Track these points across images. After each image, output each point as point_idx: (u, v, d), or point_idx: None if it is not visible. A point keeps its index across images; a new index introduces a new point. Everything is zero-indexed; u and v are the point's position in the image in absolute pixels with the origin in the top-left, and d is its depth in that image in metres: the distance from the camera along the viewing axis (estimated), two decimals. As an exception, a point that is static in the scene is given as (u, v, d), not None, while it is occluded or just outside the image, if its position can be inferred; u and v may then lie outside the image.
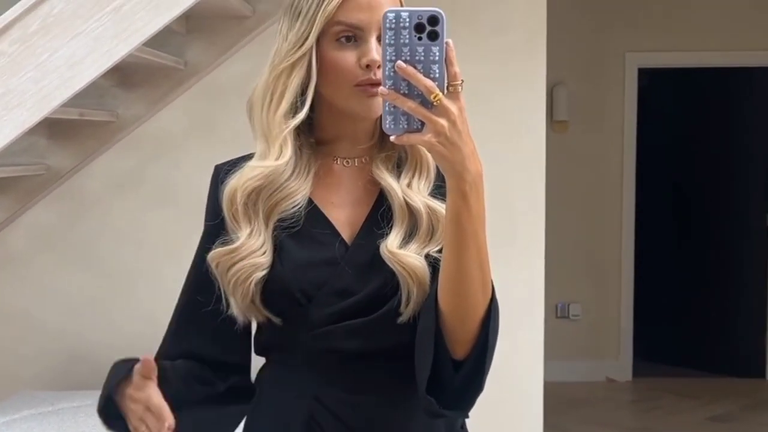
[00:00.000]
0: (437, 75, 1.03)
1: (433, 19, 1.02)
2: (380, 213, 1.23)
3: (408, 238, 1.20)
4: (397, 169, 1.25)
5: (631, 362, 5.64)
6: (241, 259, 1.20)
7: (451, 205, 1.08)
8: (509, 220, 3.02)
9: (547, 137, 3.14)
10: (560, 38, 4.79)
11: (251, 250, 1.20)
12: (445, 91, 1.03)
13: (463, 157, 1.04)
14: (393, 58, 1.03)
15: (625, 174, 5.57)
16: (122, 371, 1.22)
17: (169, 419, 1.14)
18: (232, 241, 1.22)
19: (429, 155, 1.23)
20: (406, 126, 1.05)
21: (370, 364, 1.22)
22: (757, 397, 5.27)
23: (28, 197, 2.99)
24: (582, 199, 5.53)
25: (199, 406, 1.29)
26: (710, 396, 5.25)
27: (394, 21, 1.03)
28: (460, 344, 1.14)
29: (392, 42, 1.03)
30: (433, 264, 1.19)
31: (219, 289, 1.24)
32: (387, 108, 1.05)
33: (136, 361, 1.19)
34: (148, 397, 1.15)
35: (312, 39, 1.19)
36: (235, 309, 1.22)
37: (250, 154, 1.27)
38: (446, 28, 1.03)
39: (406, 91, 1.03)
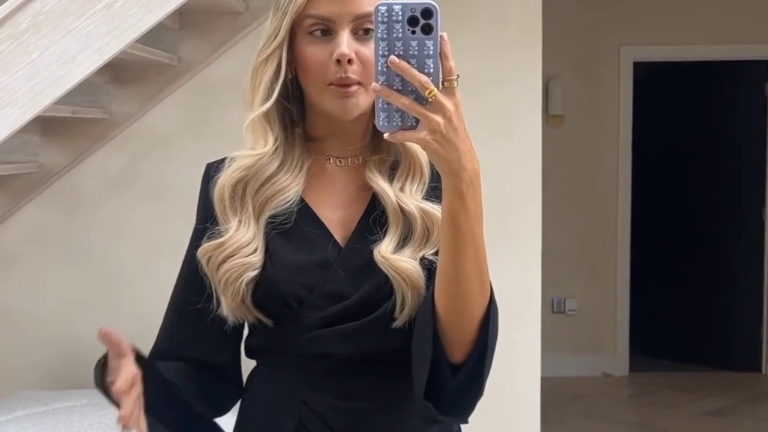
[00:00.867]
0: (432, 70, 1.00)
1: (427, 12, 0.98)
2: (374, 216, 1.21)
3: (402, 242, 1.18)
4: (391, 171, 1.22)
5: (628, 357, 5.65)
6: (231, 256, 1.17)
7: (448, 205, 1.05)
8: (505, 215, 3.01)
9: (543, 132, 3.13)
10: (555, 32, 4.79)
11: (240, 244, 1.18)
12: (440, 86, 1.00)
13: (459, 155, 1.01)
14: (385, 53, 0.99)
15: (620, 168, 5.57)
16: (98, 368, 1.23)
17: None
18: (221, 235, 1.20)
19: (423, 157, 1.21)
20: (400, 123, 1.01)
21: (361, 369, 1.19)
22: (754, 390, 5.28)
23: (21, 195, 2.97)
24: (578, 193, 5.53)
25: (186, 406, 1.26)
26: (707, 390, 5.26)
27: (386, 14, 0.99)
28: (458, 347, 1.11)
29: (384, 36, 0.99)
30: (429, 267, 1.17)
31: (210, 288, 1.22)
32: (380, 104, 1.01)
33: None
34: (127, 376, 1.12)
35: (283, 32, 1.17)
36: (226, 309, 1.20)
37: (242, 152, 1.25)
38: (440, 21, 0.99)
39: (400, 87, 1.00)
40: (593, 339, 5.62)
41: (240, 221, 1.19)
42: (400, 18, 0.99)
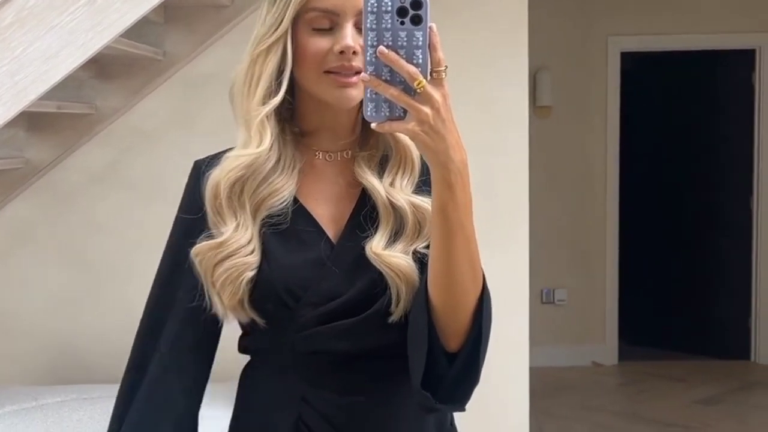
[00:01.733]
0: (420, 61, 1.00)
1: (416, 3, 0.99)
2: (364, 212, 1.21)
3: (394, 237, 1.18)
4: (381, 166, 1.22)
5: (617, 346, 5.67)
6: (230, 256, 1.17)
7: (437, 197, 1.06)
8: (493, 206, 3.01)
9: (531, 123, 3.13)
10: (543, 23, 4.80)
11: (239, 245, 1.17)
12: (429, 77, 1.00)
13: (447, 146, 1.02)
14: (374, 43, 1.00)
15: (608, 158, 5.58)
16: None
17: None
18: (215, 237, 1.19)
19: (414, 151, 1.21)
20: (388, 113, 1.02)
21: (359, 364, 1.20)
22: (744, 379, 5.30)
23: (6, 191, 2.96)
24: (566, 184, 5.53)
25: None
26: (696, 379, 5.28)
27: (375, 5, 0.99)
28: (453, 336, 1.12)
29: (373, 27, 1.00)
30: (421, 260, 1.17)
31: (199, 286, 1.21)
32: (368, 95, 1.02)
33: None
34: None
35: (287, 22, 1.16)
36: (219, 308, 1.19)
37: (231, 148, 1.22)
38: (429, 12, 1.00)
39: (388, 78, 1.00)
40: (582, 329, 5.63)
41: (238, 222, 1.18)
42: (389, 9, 0.99)
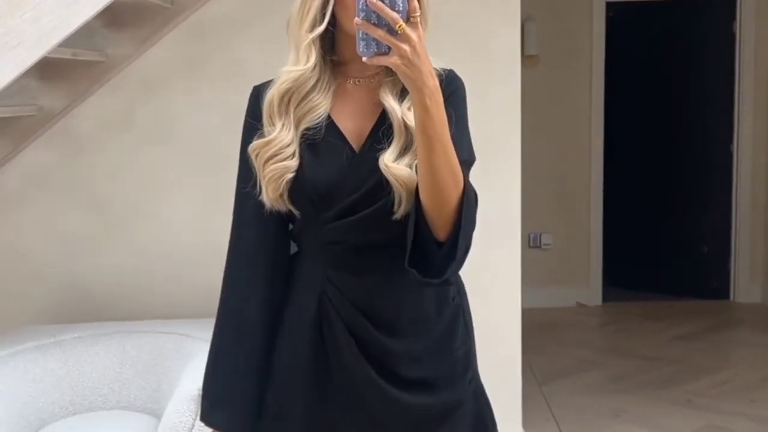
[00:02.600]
0: (401, 9, 1.26)
1: None
2: (383, 129, 1.45)
3: (403, 151, 1.43)
4: (402, 93, 1.45)
5: (601, 288, 5.79)
6: (276, 155, 1.44)
7: (417, 116, 1.33)
8: (486, 154, 3.05)
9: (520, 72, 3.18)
10: (530, -27, 4.85)
11: (283, 144, 1.44)
12: (407, 22, 1.25)
13: (422, 74, 1.28)
14: None
15: (593, 106, 5.65)
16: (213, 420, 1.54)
17: None
18: (268, 135, 1.46)
19: None
20: (375, 50, 1.28)
21: (369, 252, 1.48)
22: (722, 317, 5.45)
23: (21, 138, 3.03)
24: (552, 131, 5.61)
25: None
26: (676, 317, 5.43)
27: None
28: (441, 228, 1.39)
29: None
30: None
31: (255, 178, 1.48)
32: (360, 35, 1.28)
33: None
34: None
35: None
36: (266, 198, 1.47)
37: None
38: None
39: (376, 22, 1.26)
40: (568, 272, 5.75)
41: (283, 125, 1.45)
42: None
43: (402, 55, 1.27)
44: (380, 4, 1.24)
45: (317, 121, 1.46)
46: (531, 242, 5.67)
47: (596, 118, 5.68)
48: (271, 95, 1.46)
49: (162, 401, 2.65)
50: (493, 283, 3.18)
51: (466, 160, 1.45)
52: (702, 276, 5.86)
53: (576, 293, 5.79)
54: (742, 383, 4.21)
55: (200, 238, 3.12)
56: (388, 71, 1.45)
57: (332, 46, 1.49)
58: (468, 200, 1.39)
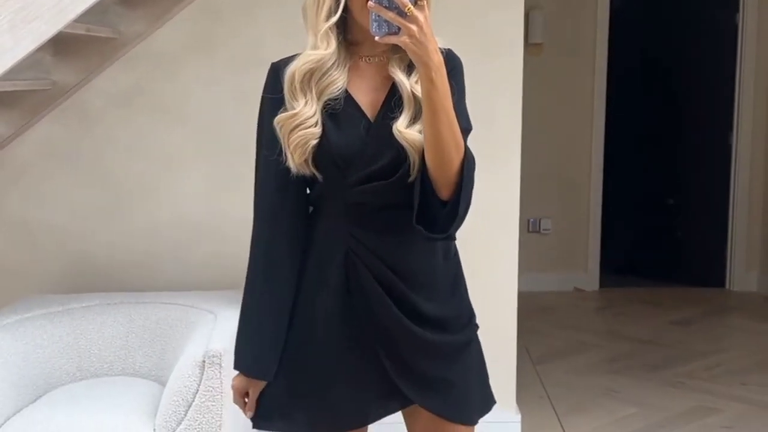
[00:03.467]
0: None
1: None
2: (394, 100, 1.63)
3: (414, 119, 1.60)
4: (409, 68, 1.63)
5: (599, 274, 5.86)
6: (300, 125, 1.60)
7: (424, 87, 1.50)
8: (488, 137, 3.09)
9: (523, 59, 3.23)
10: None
11: (307, 116, 1.60)
12: (415, 4, 1.42)
13: (428, 51, 1.46)
14: None
15: (596, 94, 5.70)
16: (251, 370, 1.71)
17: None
18: (290, 110, 1.62)
19: None
20: (387, 30, 1.45)
21: (387, 211, 1.65)
22: (718, 303, 5.53)
23: (35, 111, 3.09)
24: (555, 118, 5.67)
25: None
26: (673, 303, 5.50)
27: None
28: (445, 188, 1.57)
29: None
30: None
31: (279, 147, 1.63)
32: (373, 16, 1.45)
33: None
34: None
35: None
36: (292, 164, 1.63)
37: (299, 53, 1.64)
38: None
39: (387, 5, 1.43)
40: (566, 257, 5.82)
41: (306, 100, 1.61)
42: None
43: (410, 35, 1.43)
44: None
45: (336, 94, 1.62)
46: (530, 227, 5.74)
47: (598, 105, 5.73)
48: (292, 73, 1.61)
49: (166, 368, 2.73)
50: (492, 266, 3.24)
51: (466, 127, 1.61)
52: (699, 265, 5.92)
53: (574, 278, 5.87)
54: (734, 367, 4.29)
55: (208, 213, 3.20)
56: (396, 49, 1.60)
57: (344, 28, 1.65)
58: (468, 162, 1.56)
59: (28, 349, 2.67)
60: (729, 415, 3.66)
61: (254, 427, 1.77)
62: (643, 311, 5.37)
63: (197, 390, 2.33)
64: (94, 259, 3.22)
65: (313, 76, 1.61)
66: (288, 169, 1.63)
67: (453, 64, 1.64)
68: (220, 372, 2.32)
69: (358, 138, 1.62)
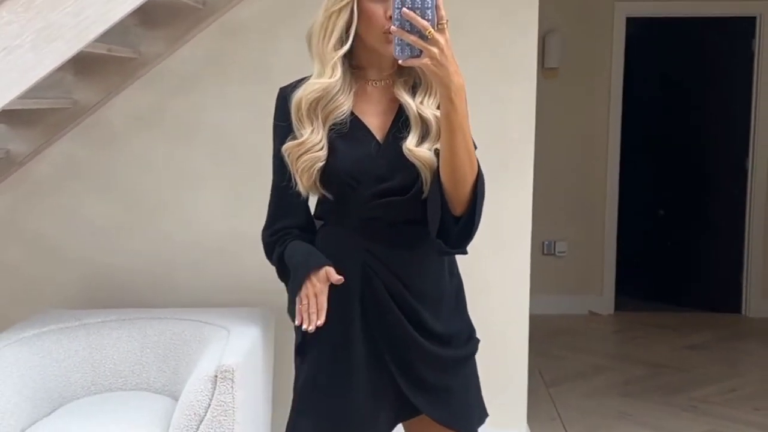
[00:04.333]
0: (430, 17, 1.47)
1: None
2: (401, 121, 1.70)
3: (422, 139, 1.67)
4: (413, 90, 1.71)
5: (614, 297, 5.84)
6: (306, 152, 1.67)
7: (443, 107, 1.56)
8: (501, 159, 3.16)
9: (539, 83, 3.27)
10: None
11: (313, 144, 1.67)
12: (436, 28, 1.47)
13: (449, 73, 1.51)
14: (400, 6, 1.48)
15: (611, 119, 5.72)
16: (319, 261, 1.70)
17: (322, 318, 1.66)
18: (297, 138, 1.69)
19: None
20: (409, 53, 1.50)
21: (401, 227, 1.73)
22: (733, 329, 5.50)
23: (55, 130, 3.14)
24: (570, 142, 5.69)
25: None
26: (688, 328, 5.48)
27: None
28: (458, 205, 1.64)
29: None
30: (439, 155, 1.64)
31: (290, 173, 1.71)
32: (396, 40, 1.50)
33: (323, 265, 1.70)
34: (321, 292, 1.67)
35: None
36: (301, 188, 1.71)
37: (306, 77, 1.71)
38: None
39: (409, 29, 1.47)
40: (581, 280, 5.81)
41: (313, 128, 1.68)
42: None
43: (431, 57, 1.48)
44: (413, 14, 1.46)
45: (342, 117, 1.68)
46: (545, 250, 5.74)
47: (613, 130, 5.74)
48: (298, 101, 1.68)
49: (179, 384, 2.75)
50: (504, 286, 3.26)
51: (474, 147, 1.67)
52: (714, 290, 5.89)
53: (589, 301, 5.85)
54: (748, 392, 4.27)
55: (224, 230, 3.23)
56: (401, 72, 1.70)
57: (350, 53, 1.71)
58: (481, 180, 1.64)
59: (44, 362, 2.70)
60: (742, 440, 3.64)
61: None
62: (659, 335, 5.35)
63: (209, 405, 2.35)
64: (110, 275, 3.25)
65: (319, 103, 1.67)
66: (299, 192, 1.71)
67: None
68: (232, 387, 2.34)
69: (367, 157, 1.68)
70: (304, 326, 1.66)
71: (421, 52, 1.48)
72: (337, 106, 1.67)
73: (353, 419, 1.75)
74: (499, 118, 3.17)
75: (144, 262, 3.24)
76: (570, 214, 5.76)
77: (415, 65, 1.51)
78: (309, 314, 1.66)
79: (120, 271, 3.24)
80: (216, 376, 2.35)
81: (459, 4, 3.00)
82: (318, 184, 1.69)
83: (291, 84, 1.75)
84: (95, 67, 3.07)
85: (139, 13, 2.93)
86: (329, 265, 1.68)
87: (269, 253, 1.82)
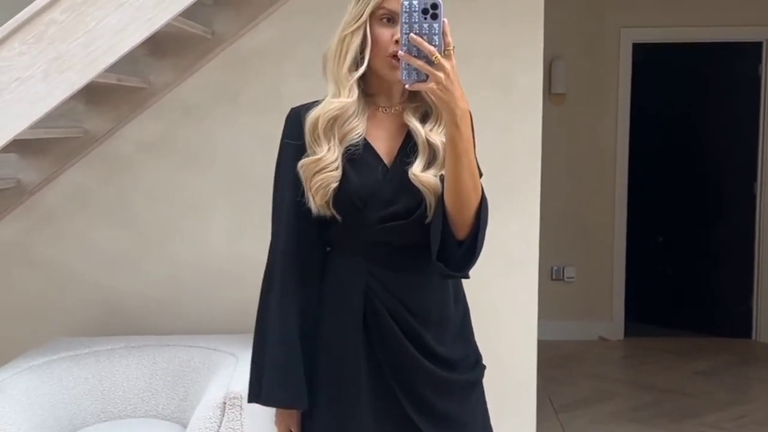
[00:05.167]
0: (437, 43, 1.49)
1: (434, 5, 1.49)
2: (409, 147, 1.72)
3: (428, 164, 1.69)
4: (424, 117, 1.73)
5: (623, 323, 5.81)
6: (322, 169, 1.68)
7: (449, 132, 1.58)
8: (507, 188, 3.18)
9: (546, 109, 3.30)
10: (559, 14, 4.94)
11: (329, 161, 1.69)
12: (443, 54, 1.49)
13: (455, 98, 1.52)
14: (408, 31, 1.50)
15: (618, 144, 5.73)
16: (289, 401, 1.75)
17: None
18: (312, 156, 1.70)
19: None
20: (416, 78, 1.52)
21: (404, 251, 1.73)
22: (743, 354, 5.46)
23: (66, 158, 3.17)
24: (578, 168, 5.70)
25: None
26: (698, 353, 5.45)
27: (408, 7, 1.50)
28: (461, 229, 1.65)
29: (407, 21, 1.50)
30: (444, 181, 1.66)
31: (302, 189, 1.71)
32: (403, 65, 1.52)
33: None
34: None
35: (365, 16, 1.67)
36: (313, 205, 1.70)
37: (318, 99, 1.73)
38: (443, 11, 1.49)
39: (416, 54, 1.50)
40: (590, 306, 5.79)
41: (330, 146, 1.69)
42: (417, 9, 1.50)
43: (438, 82, 1.51)
44: (420, 39, 1.49)
45: (356, 140, 1.71)
46: (554, 275, 5.73)
47: (621, 155, 5.75)
48: (315, 119, 1.69)
49: (188, 410, 2.75)
50: (512, 312, 3.26)
51: (480, 174, 1.69)
52: (724, 315, 5.87)
53: (598, 327, 5.83)
54: (758, 417, 4.23)
55: (232, 257, 3.24)
56: (411, 98, 1.74)
57: (362, 79, 1.74)
58: (485, 204, 1.65)
59: (54, 390, 2.71)
60: (753, 466, 3.62)
61: None
62: (668, 361, 5.32)
63: (218, 431, 2.36)
64: (120, 303, 3.26)
65: (336, 122, 1.70)
66: (307, 211, 1.70)
67: None
68: (240, 414, 2.35)
69: (375, 181, 1.70)
70: None
71: (427, 76, 1.51)
72: (352, 128, 1.70)
73: None
74: (506, 146, 3.20)
75: (153, 289, 3.26)
76: (579, 239, 5.75)
77: (421, 89, 1.55)
78: None
79: (129, 298, 3.26)
80: (224, 403, 2.36)
81: (466, 33, 3.05)
82: (331, 203, 1.70)
83: (304, 105, 1.77)
84: (105, 97, 3.11)
85: (148, 43, 2.93)
86: (296, 406, 1.75)
87: (268, 281, 1.79)
